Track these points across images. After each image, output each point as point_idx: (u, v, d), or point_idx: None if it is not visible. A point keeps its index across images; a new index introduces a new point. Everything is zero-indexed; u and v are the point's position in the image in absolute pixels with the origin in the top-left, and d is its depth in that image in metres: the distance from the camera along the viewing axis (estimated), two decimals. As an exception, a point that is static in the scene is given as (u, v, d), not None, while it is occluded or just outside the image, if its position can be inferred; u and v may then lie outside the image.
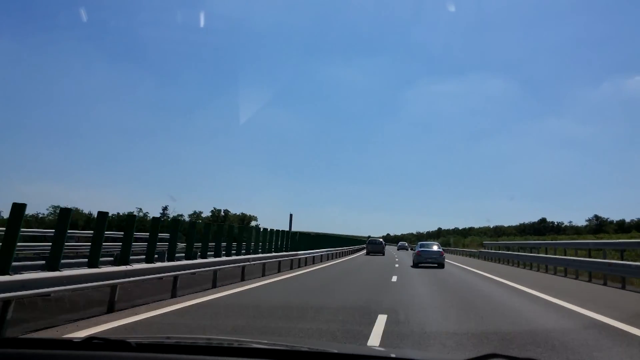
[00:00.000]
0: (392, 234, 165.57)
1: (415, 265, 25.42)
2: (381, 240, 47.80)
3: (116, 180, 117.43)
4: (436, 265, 24.97)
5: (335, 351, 1.57)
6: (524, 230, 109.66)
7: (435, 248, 26.17)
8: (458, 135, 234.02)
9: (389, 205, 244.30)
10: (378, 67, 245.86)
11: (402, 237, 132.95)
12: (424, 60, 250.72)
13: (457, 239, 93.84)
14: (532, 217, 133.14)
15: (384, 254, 43.25)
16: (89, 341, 1.55)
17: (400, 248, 69.41)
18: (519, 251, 33.90)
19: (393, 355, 1.61)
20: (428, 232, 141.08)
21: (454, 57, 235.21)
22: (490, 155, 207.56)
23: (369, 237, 59.56)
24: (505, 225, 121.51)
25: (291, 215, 32.05)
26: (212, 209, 77.10)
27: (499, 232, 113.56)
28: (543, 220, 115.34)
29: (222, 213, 76.42)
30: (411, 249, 26.97)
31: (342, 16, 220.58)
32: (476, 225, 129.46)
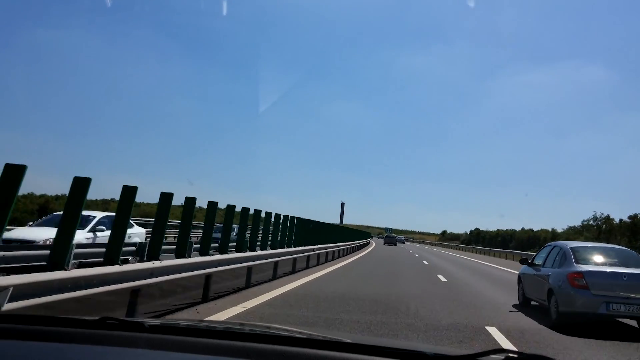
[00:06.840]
0: (463, 230, 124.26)
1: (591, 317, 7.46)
2: (394, 235, 71.43)
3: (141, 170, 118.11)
4: None
5: (349, 341, 1.59)
6: None
7: None
8: (544, 129, 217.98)
9: (466, 203, 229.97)
10: (457, 54, 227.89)
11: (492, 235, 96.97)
12: (509, 46, 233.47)
13: None
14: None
15: (395, 244, 59.93)
16: (103, 321, 1.57)
17: (388, 242, 58.27)
18: None
19: (403, 348, 1.50)
20: (590, 223, 58.15)
21: (545, 42, 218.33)
22: (579, 150, 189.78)
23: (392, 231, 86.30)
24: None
25: (343, 203, 33.38)
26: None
27: None
28: None
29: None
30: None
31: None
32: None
